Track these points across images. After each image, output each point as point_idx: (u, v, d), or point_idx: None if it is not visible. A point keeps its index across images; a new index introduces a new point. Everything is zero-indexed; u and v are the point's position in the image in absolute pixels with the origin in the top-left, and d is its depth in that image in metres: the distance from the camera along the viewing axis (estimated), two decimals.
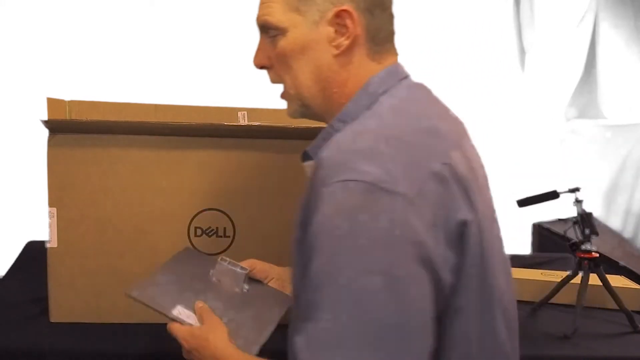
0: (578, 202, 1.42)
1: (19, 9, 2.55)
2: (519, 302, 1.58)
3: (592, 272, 1.41)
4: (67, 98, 1.44)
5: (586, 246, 1.41)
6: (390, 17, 0.89)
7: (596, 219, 1.47)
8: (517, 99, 3.22)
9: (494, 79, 3.17)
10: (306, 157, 0.92)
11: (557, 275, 1.57)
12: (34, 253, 1.60)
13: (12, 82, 2.52)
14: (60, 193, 1.24)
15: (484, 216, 0.82)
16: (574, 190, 1.41)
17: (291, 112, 0.93)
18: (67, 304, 1.27)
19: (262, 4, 0.88)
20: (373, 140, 0.77)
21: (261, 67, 0.92)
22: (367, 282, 0.71)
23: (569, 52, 3.22)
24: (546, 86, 3.26)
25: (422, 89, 0.90)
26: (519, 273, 1.63)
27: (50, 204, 1.24)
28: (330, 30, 0.84)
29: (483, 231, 0.81)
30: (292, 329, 0.81)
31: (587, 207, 1.42)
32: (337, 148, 0.79)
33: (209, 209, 1.28)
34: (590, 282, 1.40)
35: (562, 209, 1.51)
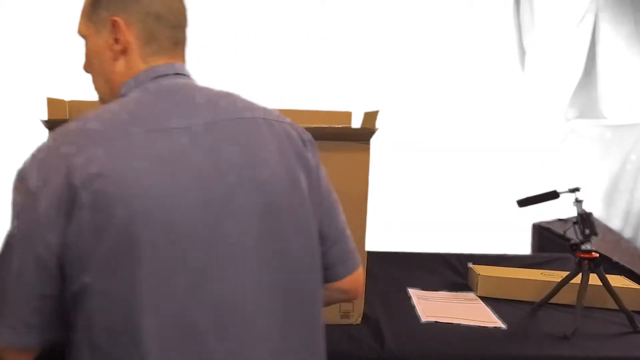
0: (578, 202, 1.42)
1: (19, 9, 2.54)
2: (519, 302, 1.60)
3: (592, 272, 1.41)
4: (67, 98, 1.44)
5: (586, 246, 1.41)
6: (167, 24, 0.95)
7: (596, 219, 1.47)
8: (517, 99, 3.22)
9: (494, 79, 3.17)
10: None
11: (557, 275, 1.57)
12: None
13: (12, 82, 2.52)
14: None
15: None
16: (574, 190, 1.41)
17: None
18: None
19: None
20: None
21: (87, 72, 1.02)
22: None
23: (569, 52, 3.22)
24: (546, 86, 3.26)
25: (162, 90, 0.93)
26: (519, 273, 1.63)
27: None
28: (110, 37, 0.94)
29: None
30: None
31: (587, 207, 1.42)
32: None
33: None
34: (590, 282, 1.40)
35: (562, 209, 1.51)
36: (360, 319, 1.36)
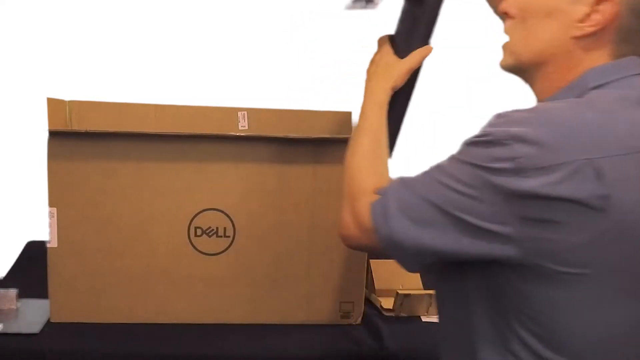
0: None
1: (19, 9, 2.54)
2: None
3: None
4: (67, 98, 1.44)
5: None
6: None
7: None
8: (518, 99, 3.22)
9: (494, 79, 3.17)
10: None
11: None
12: (34, 253, 1.60)
13: (12, 82, 2.52)
14: (60, 193, 1.24)
15: None
16: None
17: (503, 65, 0.92)
18: (67, 304, 1.27)
19: None
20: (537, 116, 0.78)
21: (503, 14, 0.91)
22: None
23: None
24: None
25: None
26: None
27: (50, 204, 1.24)
28: (584, 10, 0.80)
29: None
30: None
31: None
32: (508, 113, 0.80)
33: (209, 209, 1.28)
34: None
35: None
36: (360, 319, 1.36)
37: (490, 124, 0.80)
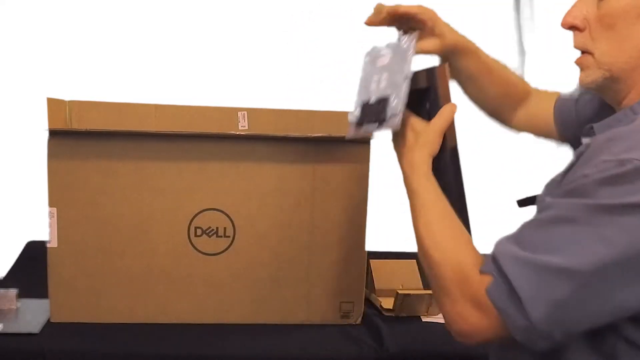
0: None
1: (19, 9, 2.54)
2: None
3: None
4: (67, 98, 1.44)
5: None
6: None
7: None
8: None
9: None
10: (588, 133, 0.87)
11: None
12: (34, 253, 1.60)
13: (12, 81, 2.52)
14: (60, 193, 1.24)
15: None
16: None
17: (590, 81, 0.85)
18: (67, 304, 1.27)
19: None
20: None
21: (570, 28, 0.85)
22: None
23: (569, 53, 3.22)
24: (546, 86, 3.26)
25: None
26: None
27: (50, 204, 1.24)
28: None
29: None
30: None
31: None
32: (633, 131, 0.74)
33: (209, 209, 1.28)
34: None
35: None
36: (360, 319, 1.36)
37: (613, 154, 0.72)
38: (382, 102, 0.92)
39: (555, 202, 0.75)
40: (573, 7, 0.85)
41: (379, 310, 1.44)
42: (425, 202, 0.87)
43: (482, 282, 0.76)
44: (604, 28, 0.81)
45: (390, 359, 1.23)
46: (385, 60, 0.97)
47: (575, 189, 0.74)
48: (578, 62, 0.86)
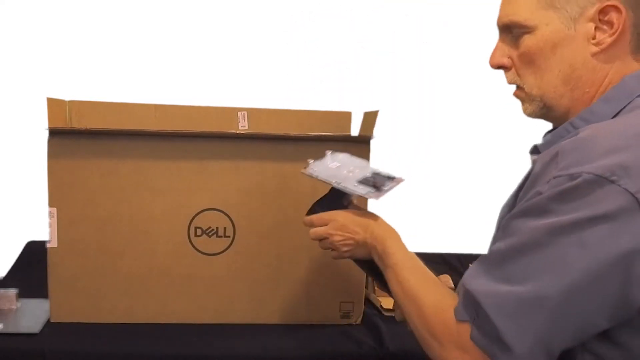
0: None
1: (19, 9, 2.54)
2: None
3: None
4: (67, 98, 1.44)
5: None
6: None
7: None
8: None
9: (494, 79, 3.17)
10: (534, 151, 0.91)
11: None
12: (34, 253, 1.60)
13: (12, 81, 2.52)
14: (60, 193, 1.24)
15: None
16: None
17: (529, 112, 0.89)
18: (67, 304, 1.27)
19: (506, 4, 0.87)
20: (616, 138, 0.74)
21: (498, 67, 0.90)
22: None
23: None
24: None
25: None
26: None
27: (50, 204, 1.24)
28: (590, 26, 0.81)
29: None
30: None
31: None
32: (577, 145, 0.76)
33: (209, 209, 1.28)
34: None
35: None
36: (360, 319, 1.36)
37: (562, 168, 0.74)
38: (379, 176, 1.07)
39: (517, 226, 0.77)
40: (495, 48, 0.90)
41: (379, 310, 1.44)
42: (397, 261, 0.95)
43: (465, 327, 0.78)
44: (525, 65, 0.86)
45: (390, 358, 1.23)
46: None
47: (532, 208, 0.76)
48: (515, 96, 0.91)
